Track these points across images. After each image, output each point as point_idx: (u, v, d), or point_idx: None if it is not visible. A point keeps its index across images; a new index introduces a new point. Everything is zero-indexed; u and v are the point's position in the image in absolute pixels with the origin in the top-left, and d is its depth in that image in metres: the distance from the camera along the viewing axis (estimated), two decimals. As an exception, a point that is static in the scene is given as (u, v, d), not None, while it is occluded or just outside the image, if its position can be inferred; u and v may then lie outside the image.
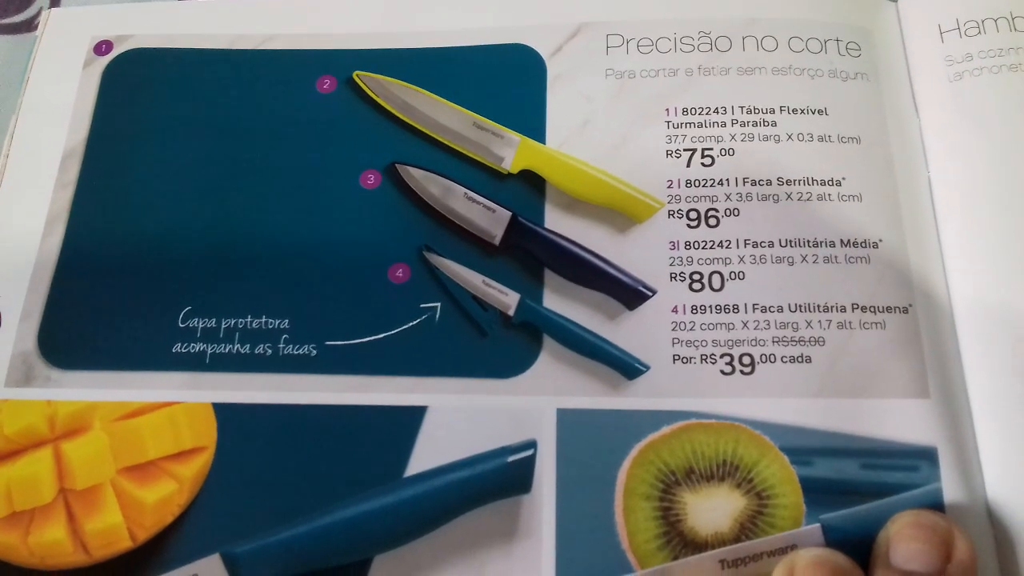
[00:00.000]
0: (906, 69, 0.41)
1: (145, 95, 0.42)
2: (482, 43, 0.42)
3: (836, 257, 0.37)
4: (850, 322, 0.36)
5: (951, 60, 0.40)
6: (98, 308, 0.38)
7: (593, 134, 0.40)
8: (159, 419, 0.37)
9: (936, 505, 0.33)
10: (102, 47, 0.43)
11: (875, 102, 0.40)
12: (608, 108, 0.41)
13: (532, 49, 0.42)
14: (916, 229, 0.38)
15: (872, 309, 0.36)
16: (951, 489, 0.34)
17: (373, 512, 0.35)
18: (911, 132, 0.40)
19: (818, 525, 0.33)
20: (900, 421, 0.35)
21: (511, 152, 0.40)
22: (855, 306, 0.37)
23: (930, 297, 0.37)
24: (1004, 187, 0.37)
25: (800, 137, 0.39)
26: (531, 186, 0.40)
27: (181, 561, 0.34)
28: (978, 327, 0.36)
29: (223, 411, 0.37)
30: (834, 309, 0.36)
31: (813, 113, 0.40)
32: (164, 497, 0.35)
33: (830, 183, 0.38)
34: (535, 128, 0.40)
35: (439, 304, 0.38)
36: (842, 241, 0.37)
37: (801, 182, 0.38)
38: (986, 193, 0.38)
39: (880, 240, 0.38)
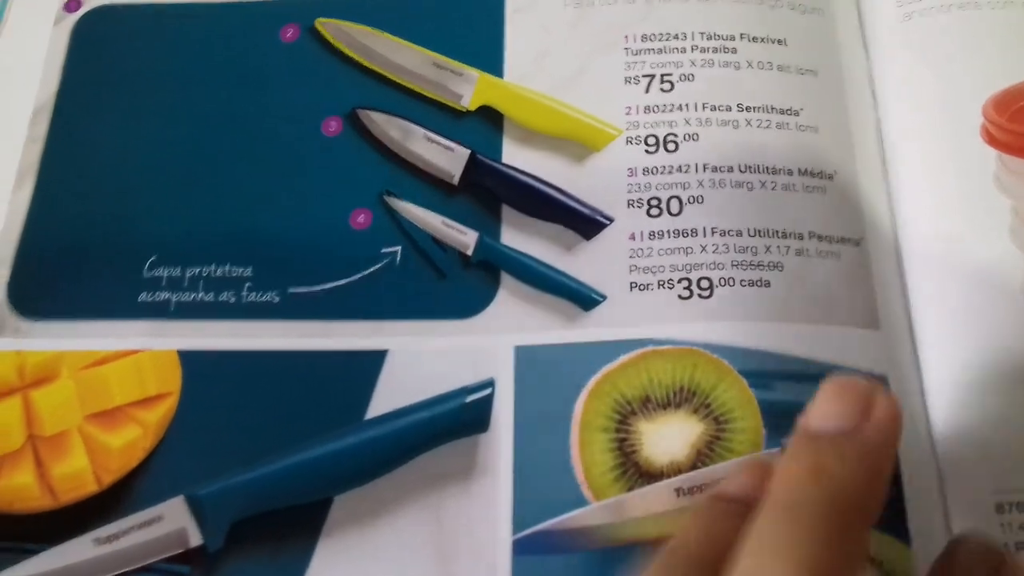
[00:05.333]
0: (856, 7, 0.41)
1: (113, 51, 0.43)
2: (442, -21, 0.43)
3: (794, 185, 0.37)
4: (807, 249, 0.36)
5: (901, 0, 0.40)
6: (66, 259, 0.39)
7: (551, 65, 0.40)
8: (125, 367, 0.37)
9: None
10: (72, 4, 0.44)
11: (830, 37, 0.40)
12: (566, 38, 0.40)
13: (491, -17, 0.42)
14: (867, 164, 0.38)
15: (827, 239, 0.36)
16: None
17: (333, 453, 0.35)
18: (861, 70, 0.40)
19: (777, 450, 0.32)
20: (853, 349, 0.34)
21: (470, 89, 0.39)
22: (812, 234, 0.36)
23: (879, 231, 0.37)
24: (951, 126, 0.37)
25: (760, 65, 0.39)
26: (489, 121, 0.40)
27: (146, 503, 0.34)
28: (924, 262, 0.36)
29: (187, 358, 0.37)
30: (792, 236, 0.36)
31: (772, 42, 0.39)
32: (129, 442, 0.36)
33: (788, 112, 0.38)
34: (494, 63, 0.40)
35: (399, 248, 0.38)
36: (799, 170, 0.37)
37: (760, 109, 0.38)
38: (933, 132, 0.37)
39: (835, 172, 0.37)
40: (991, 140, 0.37)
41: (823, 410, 0.26)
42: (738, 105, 0.38)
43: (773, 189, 0.37)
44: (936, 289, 0.35)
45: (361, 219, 0.38)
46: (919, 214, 0.37)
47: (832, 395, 0.27)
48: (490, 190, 0.38)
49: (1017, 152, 0.36)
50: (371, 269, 0.38)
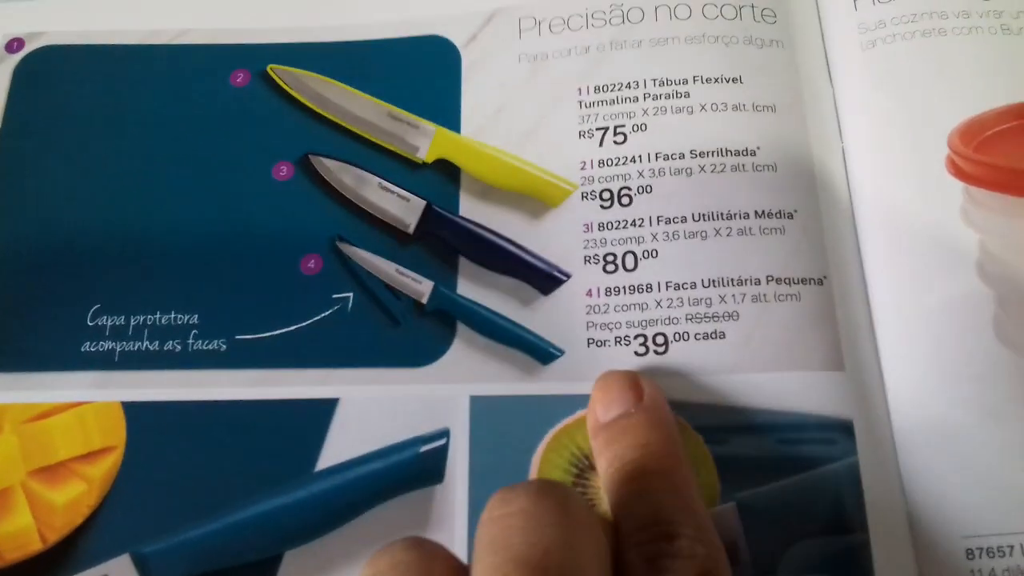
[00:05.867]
0: (821, 37, 0.40)
1: (57, 92, 0.42)
2: (397, 36, 0.42)
3: (751, 229, 0.36)
4: (764, 295, 0.35)
5: (864, 27, 0.39)
6: (6, 308, 0.38)
7: (507, 120, 0.40)
8: (68, 420, 0.36)
9: (853, 479, 0.33)
10: (13, 44, 0.43)
11: (790, 70, 0.39)
12: (521, 93, 0.40)
13: (446, 39, 0.41)
14: (830, 199, 0.37)
15: (787, 281, 0.36)
16: (867, 462, 0.33)
17: (283, 508, 0.34)
18: (826, 101, 0.39)
19: (733, 504, 0.32)
20: (816, 394, 0.34)
21: (426, 142, 0.39)
22: (770, 278, 0.36)
23: (844, 269, 0.36)
24: (918, 156, 0.37)
25: (714, 107, 0.38)
26: (446, 175, 0.39)
27: (91, 562, 0.34)
28: (892, 300, 0.35)
29: (132, 409, 0.36)
30: (748, 282, 0.36)
31: (728, 81, 0.39)
32: (74, 498, 0.35)
33: (744, 153, 0.38)
34: (450, 117, 0.40)
35: (351, 294, 0.37)
36: (756, 212, 0.37)
37: (714, 153, 0.38)
38: (900, 162, 0.37)
39: (795, 210, 0.37)
40: (957, 172, 0.36)
41: (604, 403, 0.33)
42: (691, 152, 0.38)
43: (728, 235, 0.36)
44: (905, 327, 0.35)
45: (312, 264, 0.38)
46: (886, 248, 0.36)
47: (605, 389, 0.33)
48: (446, 242, 0.38)
49: (984, 184, 0.36)
50: (321, 315, 0.37)
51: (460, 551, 0.33)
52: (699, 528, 0.27)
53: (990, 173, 0.36)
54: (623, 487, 0.30)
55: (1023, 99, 0.37)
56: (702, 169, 0.37)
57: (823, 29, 0.40)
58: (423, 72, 0.41)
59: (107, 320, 0.37)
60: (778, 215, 0.37)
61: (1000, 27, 0.38)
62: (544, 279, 0.37)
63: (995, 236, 0.35)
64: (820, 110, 0.39)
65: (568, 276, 0.37)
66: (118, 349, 0.37)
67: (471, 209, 0.38)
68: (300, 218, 0.39)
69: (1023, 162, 0.36)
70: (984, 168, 0.36)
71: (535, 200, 0.38)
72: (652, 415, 0.32)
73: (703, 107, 0.38)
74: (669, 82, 0.39)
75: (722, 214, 0.37)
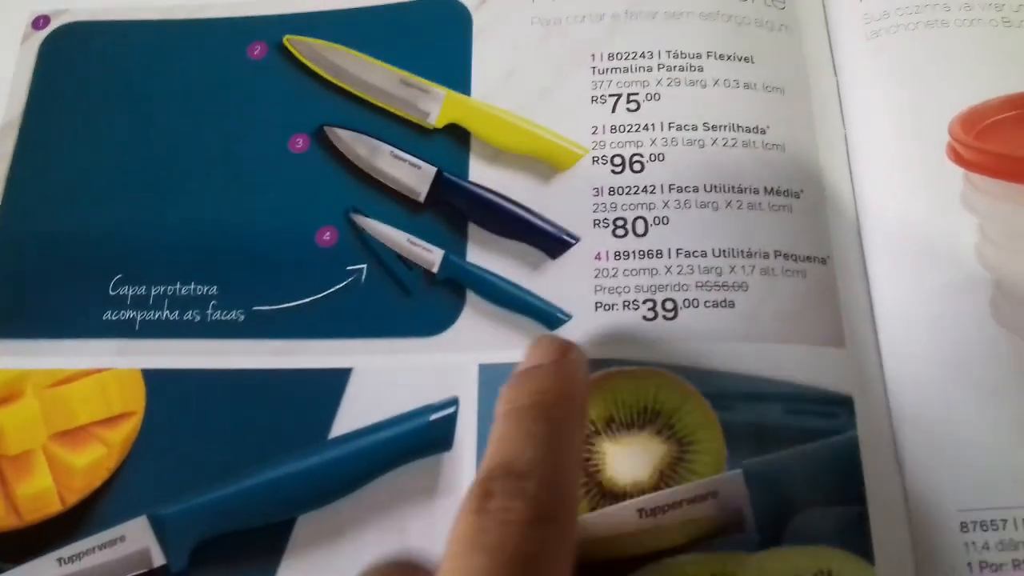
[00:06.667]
0: (825, 25, 0.41)
1: (81, 68, 0.43)
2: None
3: (760, 204, 0.36)
4: (773, 268, 0.35)
5: (869, 18, 0.40)
6: (32, 277, 0.39)
7: (518, 84, 0.40)
8: (89, 386, 0.37)
9: (852, 453, 0.33)
10: (40, 21, 0.44)
11: (797, 55, 0.40)
12: (533, 57, 0.40)
13: (458, 1, 0.41)
14: (834, 182, 0.37)
15: (793, 257, 0.36)
16: (866, 438, 0.33)
17: (297, 473, 0.35)
18: (829, 87, 0.40)
19: (740, 471, 0.32)
20: (818, 368, 0.34)
21: (437, 107, 0.39)
22: (778, 253, 0.36)
23: (845, 250, 0.36)
24: (918, 145, 0.37)
25: (726, 83, 0.39)
26: (456, 140, 0.39)
27: (109, 523, 0.34)
28: (891, 280, 0.35)
29: (152, 376, 0.37)
30: (758, 255, 0.36)
31: (739, 60, 0.39)
32: (93, 461, 0.36)
33: (755, 131, 0.38)
34: (461, 81, 0.40)
35: (365, 266, 0.38)
36: (765, 189, 0.37)
37: (726, 128, 0.38)
38: (901, 151, 0.37)
39: (801, 191, 0.37)
40: (957, 159, 0.37)
41: (528, 356, 0.32)
42: (704, 124, 0.38)
43: (739, 208, 0.36)
44: (902, 308, 0.35)
45: (327, 236, 0.38)
46: (886, 232, 0.36)
47: (535, 345, 0.32)
48: (456, 208, 0.38)
49: (983, 171, 0.36)
50: (336, 287, 0.38)
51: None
52: (545, 482, 0.27)
53: (990, 160, 0.36)
54: (499, 424, 0.30)
55: (1022, 89, 0.38)
56: (713, 142, 0.38)
57: (828, 17, 0.41)
58: (434, 35, 0.41)
59: (128, 290, 0.38)
60: (785, 194, 0.37)
61: (1001, 20, 0.39)
62: (553, 243, 0.37)
63: (994, 221, 0.36)
64: (824, 96, 0.39)
65: (577, 239, 0.37)
66: (139, 318, 0.38)
67: (481, 174, 0.39)
68: (316, 190, 0.39)
69: (1022, 150, 0.37)
70: (984, 155, 0.37)
71: (545, 164, 0.38)
72: (561, 370, 0.31)
73: (716, 82, 0.39)
74: (683, 55, 0.39)
75: (733, 187, 0.37)
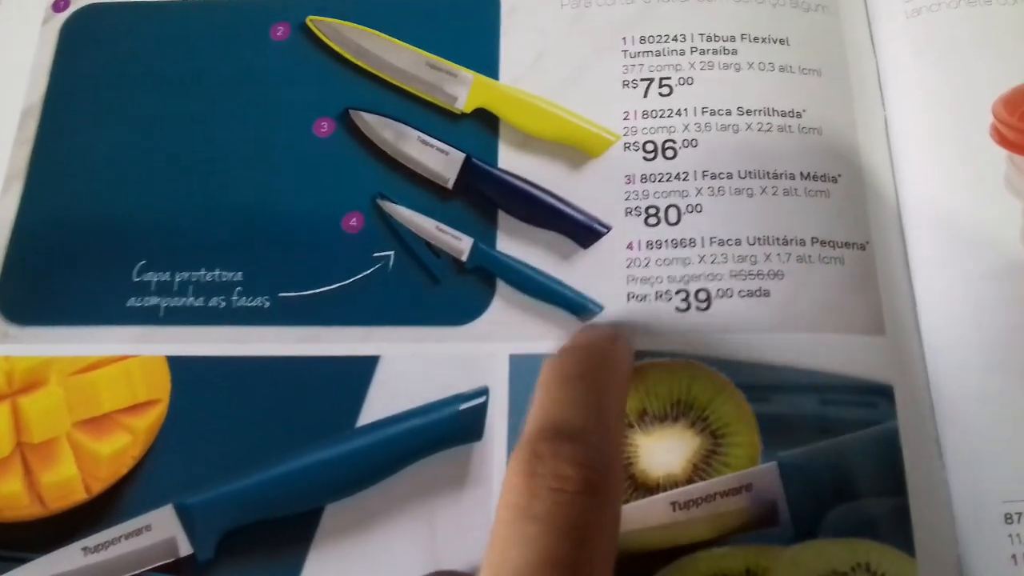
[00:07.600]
0: (864, 4, 0.40)
1: (101, 51, 0.42)
2: (437, -20, 0.42)
3: (796, 190, 0.36)
4: (810, 256, 0.35)
5: None
6: (55, 264, 0.38)
7: (548, 68, 0.39)
8: (114, 373, 0.37)
9: (892, 444, 0.32)
10: (60, 3, 0.43)
11: (835, 36, 0.39)
12: (563, 40, 0.39)
13: (487, -17, 0.41)
14: (874, 165, 0.37)
15: (831, 244, 0.35)
16: (907, 428, 0.32)
17: (324, 462, 0.34)
18: (868, 68, 0.39)
19: (774, 464, 0.32)
20: (857, 357, 0.34)
21: (464, 91, 0.39)
22: (815, 240, 0.35)
23: (885, 235, 0.36)
24: (960, 126, 0.36)
25: (761, 66, 0.38)
26: (485, 125, 0.39)
27: (135, 512, 0.34)
28: (933, 266, 0.35)
29: (177, 364, 0.36)
30: (794, 242, 0.35)
31: (774, 42, 0.38)
32: (118, 449, 0.35)
33: (791, 115, 0.37)
34: (489, 65, 0.39)
35: (392, 253, 0.37)
36: (802, 174, 0.36)
37: (761, 112, 0.37)
38: (942, 133, 0.37)
39: (839, 175, 0.36)
40: (1001, 140, 0.36)
41: (578, 339, 0.33)
42: (738, 108, 0.37)
43: (774, 194, 0.36)
44: (945, 294, 0.35)
45: (353, 222, 0.38)
46: (927, 216, 0.36)
47: (586, 330, 0.34)
48: (485, 195, 0.37)
49: None
50: (363, 274, 0.37)
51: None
52: (596, 450, 0.27)
53: (1036, 141, 0.36)
54: (546, 388, 0.30)
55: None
56: (748, 127, 0.37)
57: None
58: (462, 17, 0.41)
59: (153, 276, 0.38)
60: (823, 178, 0.36)
61: (1045, -3, 0.38)
62: (584, 232, 0.36)
63: (1039, 205, 0.35)
64: (863, 77, 0.39)
65: (608, 228, 0.36)
66: (163, 305, 0.37)
67: (510, 160, 0.38)
68: (341, 175, 0.39)
69: (1068, 131, 0.36)
70: (1029, 136, 0.36)
71: (575, 150, 0.38)
72: (610, 352, 0.31)
73: (750, 65, 0.38)
74: (717, 38, 0.38)
75: (768, 173, 0.36)
